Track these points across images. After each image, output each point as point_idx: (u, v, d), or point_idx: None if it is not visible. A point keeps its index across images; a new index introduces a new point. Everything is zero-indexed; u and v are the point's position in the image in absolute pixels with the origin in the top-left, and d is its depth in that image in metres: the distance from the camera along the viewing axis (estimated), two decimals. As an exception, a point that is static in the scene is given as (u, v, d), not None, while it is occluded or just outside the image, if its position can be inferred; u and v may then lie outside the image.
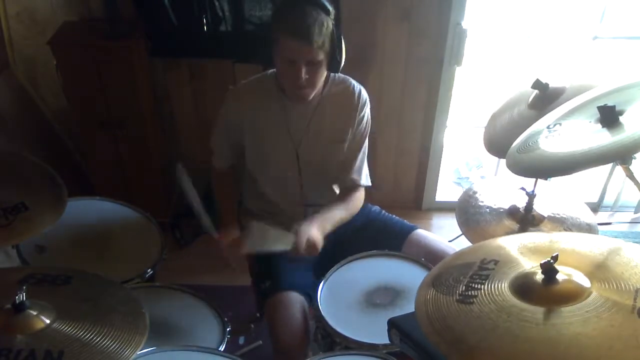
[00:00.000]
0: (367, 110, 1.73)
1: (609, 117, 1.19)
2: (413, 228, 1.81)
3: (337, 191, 1.83)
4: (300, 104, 1.66)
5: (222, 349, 1.43)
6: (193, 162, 2.83)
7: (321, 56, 1.51)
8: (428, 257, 1.69)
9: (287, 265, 1.69)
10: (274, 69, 1.70)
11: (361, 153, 1.76)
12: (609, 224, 2.86)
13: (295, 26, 1.46)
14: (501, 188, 1.72)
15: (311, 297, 1.62)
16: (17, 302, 1.05)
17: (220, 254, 1.69)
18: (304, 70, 1.51)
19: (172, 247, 2.60)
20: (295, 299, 1.60)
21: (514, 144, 1.40)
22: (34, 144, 2.49)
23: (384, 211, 1.92)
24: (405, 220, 1.88)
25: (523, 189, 1.53)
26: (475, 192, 1.71)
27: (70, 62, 2.30)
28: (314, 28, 1.46)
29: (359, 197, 1.78)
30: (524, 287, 0.95)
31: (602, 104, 1.21)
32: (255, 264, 1.81)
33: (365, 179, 1.78)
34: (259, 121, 1.68)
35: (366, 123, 1.74)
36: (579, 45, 2.83)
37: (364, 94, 1.71)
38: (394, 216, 1.89)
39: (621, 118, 1.19)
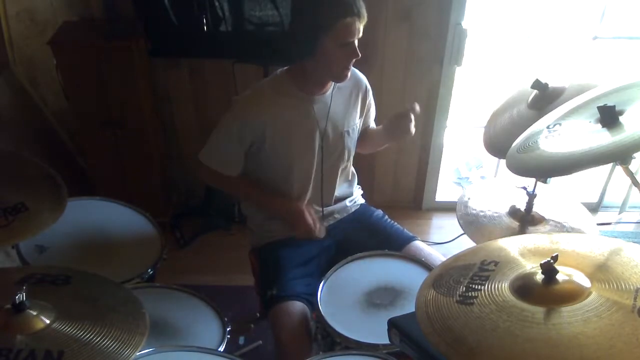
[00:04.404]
0: (367, 83, 1.85)
1: (609, 117, 1.19)
2: (412, 239, 1.82)
3: (347, 189, 1.92)
4: (320, 95, 1.69)
5: (222, 349, 1.42)
6: (193, 162, 2.85)
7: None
8: None
9: (293, 273, 1.70)
10: (282, 69, 1.71)
11: (373, 115, 1.93)
12: (609, 224, 2.86)
13: (350, 5, 1.49)
14: (501, 188, 1.72)
15: (313, 305, 1.62)
16: (17, 302, 1.04)
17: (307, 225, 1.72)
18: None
19: (172, 247, 2.61)
20: (299, 309, 1.61)
21: (514, 144, 1.40)
22: (34, 144, 2.49)
23: (386, 216, 1.93)
24: (405, 230, 1.89)
25: (524, 188, 1.53)
26: (475, 193, 1.71)
27: (70, 62, 2.30)
28: (360, 1, 1.52)
29: None
30: (524, 288, 0.95)
31: (602, 104, 1.21)
32: (261, 271, 1.81)
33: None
34: (284, 121, 1.65)
35: (371, 94, 1.87)
36: (579, 45, 2.83)
37: (357, 71, 1.80)
38: (395, 223, 1.90)
39: (621, 118, 1.19)
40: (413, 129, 1.71)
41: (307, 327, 1.59)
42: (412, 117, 1.69)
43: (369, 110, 1.89)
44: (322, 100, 1.70)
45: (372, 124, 1.98)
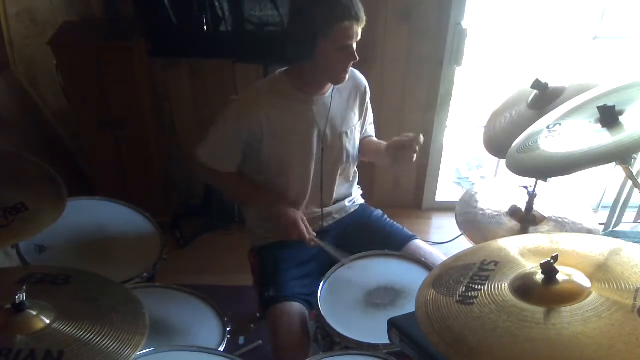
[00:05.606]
0: (367, 85, 1.83)
1: (609, 117, 1.19)
2: (412, 238, 1.82)
3: (347, 189, 1.91)
4: (319, 95, 1.68)
5: (222, 349, 1.43)
6: (192, 162, 2.85)
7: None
8: None
9: (291, 273, 1.70)
10: (280, 70, 1.71)
11: (371, 119, 1.92)
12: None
13: (349, 8, 1.48)
14: (501, 188, 1.72)
15: (312, 304, 1.62)
16: (17, 302, 1.04)
17: (300, 231, 1.68)
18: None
19: (172, 247, 2.60)
20: (297, 310, 1.60)
21: (514, 144, 1.40)
22: (34, 144, 2.49)
23: (385, 216, 1.93)
24: (405, 229, 1.88)
25: (525, 187, 1.54)
26: (475, 193, 1.71)
27: (70, 62, 2.30)
28: (358, 5, 1.51)
29: None
30: (524, 288, 0.95)
31: (602, 104, 1.21)
32: (259, 272, 1.80)
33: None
34: (282, 121, 1.64)
35: (369, 98, 1.86)
36: (579, 45, 2.83)
37: (356, 72, 1.79)
38: (394, 223, 1.90)
39: (621, 118, 1.19)
40: (414, 158, 1.68)
41: (305, 328, 1.59)
42: (417, 148, 1.65)
43: (366, 113, 1.87)
44: (321, 101, 1.69)
45: (371, 132, 1.95)
